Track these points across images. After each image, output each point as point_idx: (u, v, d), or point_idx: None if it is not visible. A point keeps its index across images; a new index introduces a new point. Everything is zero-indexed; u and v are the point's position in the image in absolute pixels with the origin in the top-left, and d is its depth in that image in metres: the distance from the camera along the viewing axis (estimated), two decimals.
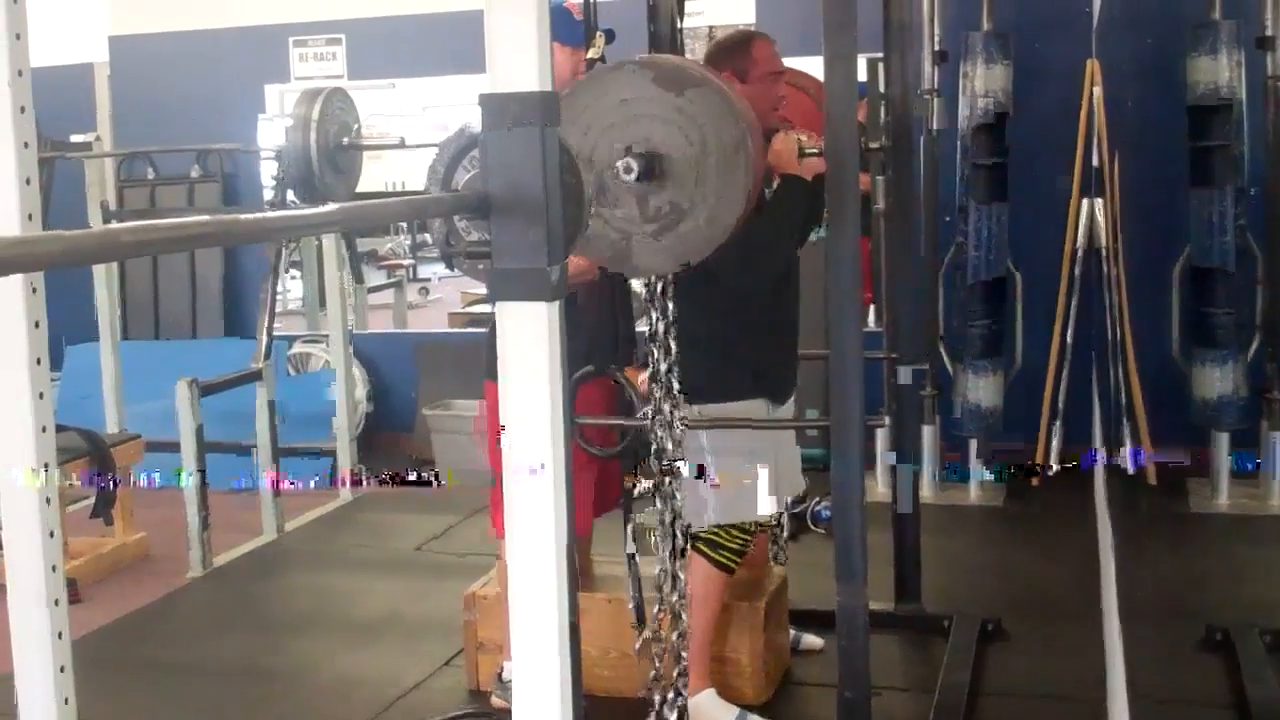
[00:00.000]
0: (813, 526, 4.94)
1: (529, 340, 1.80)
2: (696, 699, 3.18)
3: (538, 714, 2.14)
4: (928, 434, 5.45)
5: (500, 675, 3.47)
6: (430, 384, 6.46)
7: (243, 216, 1.47)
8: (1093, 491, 5.36)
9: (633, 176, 2.42)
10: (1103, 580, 4.17)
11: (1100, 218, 5.62)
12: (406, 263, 10.34)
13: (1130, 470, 5.04)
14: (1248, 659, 3.49)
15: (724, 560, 3.26)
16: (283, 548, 5.13)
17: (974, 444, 5.61)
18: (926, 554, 3.98)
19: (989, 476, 5.60)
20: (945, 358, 5.68)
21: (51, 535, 2.10)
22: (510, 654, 3.25)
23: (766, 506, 3.23)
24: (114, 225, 1.20)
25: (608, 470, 3.33)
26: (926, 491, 5.47)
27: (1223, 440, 5.30)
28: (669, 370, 2.77)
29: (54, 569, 2.10)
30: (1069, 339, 5.76)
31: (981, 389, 5.54)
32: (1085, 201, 5.76)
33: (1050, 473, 5.66)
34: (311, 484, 5.89)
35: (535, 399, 1.86)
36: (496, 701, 3.42)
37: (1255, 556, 4.52)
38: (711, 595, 3.23)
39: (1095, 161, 5.62)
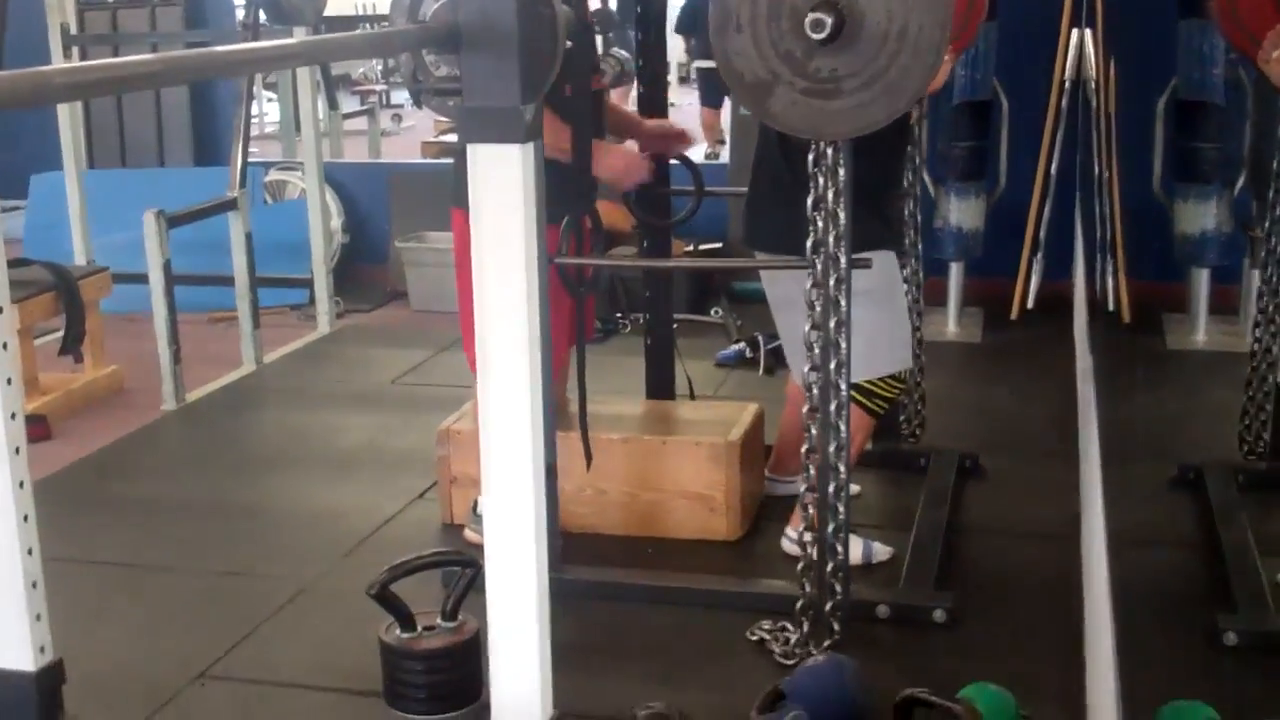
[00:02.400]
0: None
1: (502, 183, 1.73)
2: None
3: (510, 549, 2.14)
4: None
5: (475, 508, 3.47)
6: (403, 216, 6.37)
7: (189, 53, 1.39)
8: (1071, 327, 5.35)
9: (821, 34, 2.29)
10: (1079, 418, 4.18)
11: (1089, 48, 5.49)
12: (379, 88, 10.11)
13: (1110, 306, 5.03)
14: (1219, 499, 3.51)
15: (876, 408, 3.27)
16: (260, 381, 5.09)
17: (955, 271, 5.57)
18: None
19: (970, 311, 5.58)
20: (928, 183, 5.60)
21: (9, 382, 2.05)
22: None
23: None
24: (47, 68, 1.12)
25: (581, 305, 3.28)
26: None
27: (1203, 277, 5.27)
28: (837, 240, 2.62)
29: (13, 416, 2.06)
30: (1053, 170, 5.68)
31: (964, 211, 5.48)
32: (1075, 31, 5.62)
33: (1029, 306, 5.64)
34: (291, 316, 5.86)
35: (510, 245, 1.81)
36: (469, 535, 3.43)
37: (1231, 395, 4.51)
38: (857, 441, 3.17)
39: None
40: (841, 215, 2.58)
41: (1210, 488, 3.56)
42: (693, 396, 3.85)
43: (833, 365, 2.71)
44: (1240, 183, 5.14)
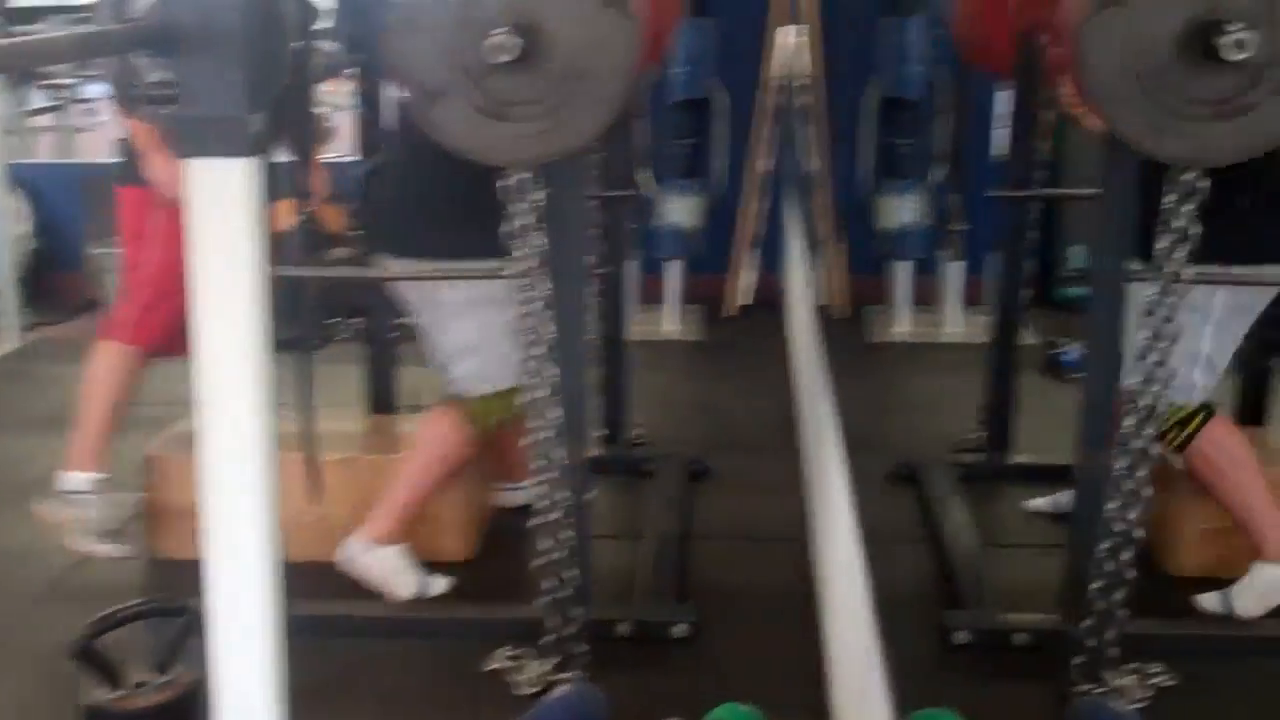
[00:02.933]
0: None
1: (226, 204, 1.56)
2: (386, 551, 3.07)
3: (235, 589, 1.96)
4: (628, 270, 5.38)
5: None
6: (100, 219, 5.93)
7: None
8: (783, 323, 5.44)
9: (504, 59, 2.15)
10: (797, 415, 4.24)
11: (800, 44, 5.59)
12: (69, 82, 9.45)
13: (821, 301, 5.14)
14: (936, 492, 3.60)
15: (476, 425, 3.04)
16: None
17: (674, 269, 5.59)
18: (636, 387, 3.92)
19: (689, 308, 5.61)
20: (646, 181, 5.59)
21: None
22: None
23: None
24: None
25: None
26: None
27: (902, 269, 5.44)
28: None
29: None
30: (767, 167, 5.77)
31: (682, 209, 5.51)
32: (785, 28, 5.71)
33: (747, 302, 5.72)
34: None
35: (235, 275, 1.64)
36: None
37: (934, 385, 4.69)
38: (433, 459, 3.07)
39: None
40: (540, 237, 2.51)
41: (927, 482, 3.65)
42: (418, 409, 3.69)
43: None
44: (938, 178, 5.34)
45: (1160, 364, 2.47)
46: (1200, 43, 2.20)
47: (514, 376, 2.73)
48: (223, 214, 1.59)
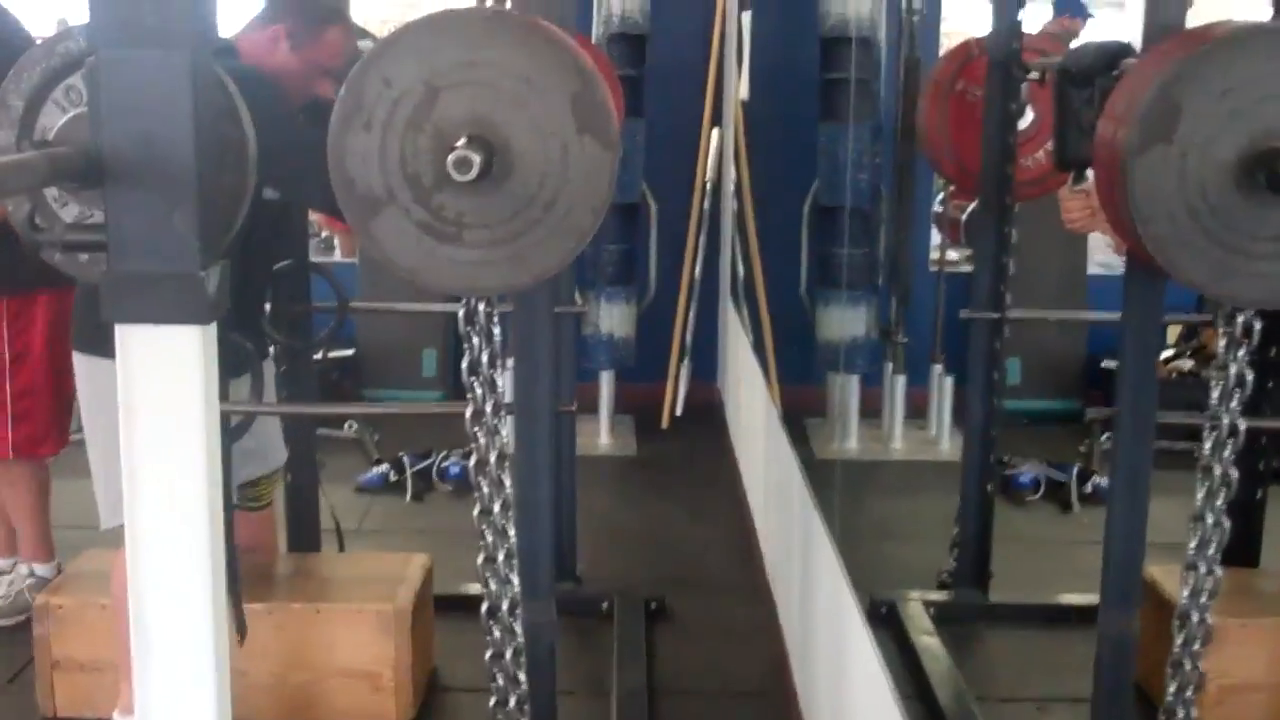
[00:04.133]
0: (440, 482, 4.47)
1: (171, 382, 1.22)
2: None
3: None
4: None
5: None
6: None
7: None
8: (725, 435, 5.17)
9: (466, 176, 1.82)
10: (758, 543, 3.94)
11: (729, 149, 5.39)
12: None
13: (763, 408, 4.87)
14: (915, 631, 3.31)
15: None
16: None
17: (605, 380, 5.29)
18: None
19: (621, 419, 5.31)
20: (574, 288, 5.31)
21: None
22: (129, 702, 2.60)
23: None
24: None
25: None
26: None
27: (851, 383, 5.21)
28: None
29: None
30: (697, 274, 5.53)
31: (614, 318, 5.23)
32: (715, 131, 5.52)
33: (679, 413, 5.43)
34: None
35: (184, 470, 1.30)
36: None
37: (896, 507, 4.41)
38: None
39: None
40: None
41: (907, 623, 3.37)
42: (341, 547, 3.32)
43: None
44: (877, 288, 5.14)
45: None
46: (1262, 173, 1.97)
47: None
48: (173, 394, 1.25)
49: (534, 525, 2.31)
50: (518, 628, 2.24)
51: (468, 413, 2.18)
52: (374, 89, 1.88)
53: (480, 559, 2.20)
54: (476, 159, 1.82)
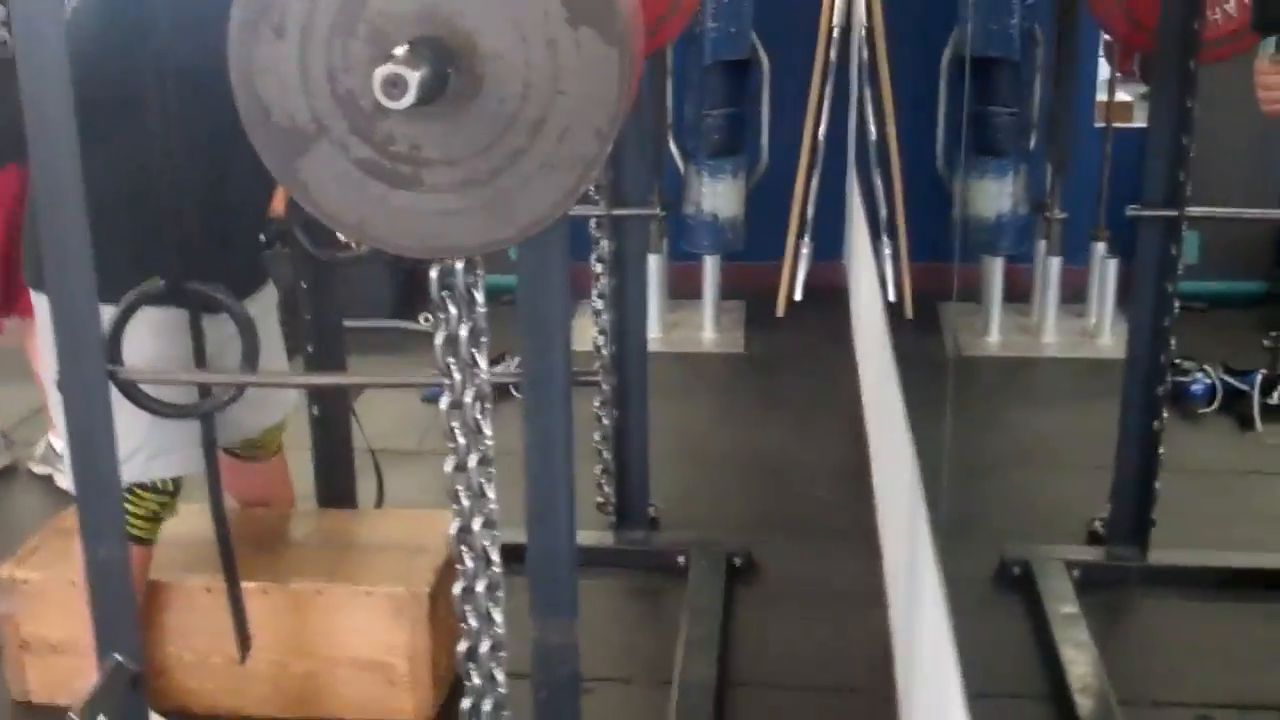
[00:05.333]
0: (516, 392, 3.95)
1: None
2: None
3: None
4: (653, 264, 4.51)
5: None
6: None
7: None
8: (848, 325, 4.55)
9: (396, 103, 1.25)
10: (873, 475, 3.35)
11: None
12: None
13: (890, 298, 4.24)
14: (1054, 603, 2.73)
15: (131, 531, 2.19)
16: None
17: (710, 265, 4.69)
18: (653, 428, 3.03)
19: (729, 306, 4.72)
20: (676, 157, 4.69)
21: None
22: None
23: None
24: None
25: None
26: (652, 331, 4.56)
27: (996, 267, 4.52)
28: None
29: None
30: (821, 137, 4.84)
31: (720, 195, 4.60)
32: None
33: (797, 298, 4.81)
34: None
35: None
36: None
37: (1042, 424, 3.76)
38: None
39: None
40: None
41: (1043, 592, 2.78)
42: (380, 499, 2.83)
43: None
44: (1031, 153, 4.41)
45: None
46: None
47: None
48: None
49: (551, 526, 1.76)
50: (497, 615, 1.71)
51: (443, 403, 1.64)
52: None
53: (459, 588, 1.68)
54: (413, 77, 1.23)
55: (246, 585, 2.37)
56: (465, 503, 1.65)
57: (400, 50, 1.24)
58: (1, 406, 3.57)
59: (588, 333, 2.97)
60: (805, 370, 4.24)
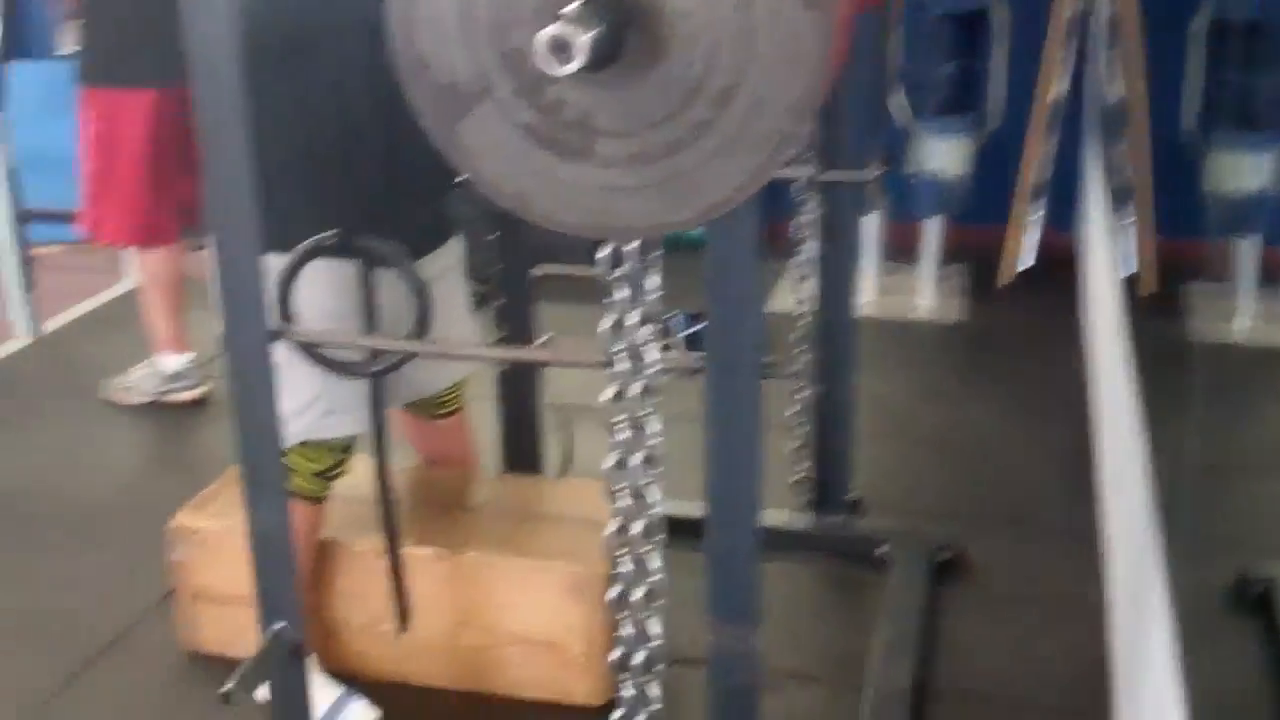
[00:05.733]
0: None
1: None
2: None
3: None
4: (869, 224, 4.28)
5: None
6: None
7: None
8: (1076, 301, 4.24)
9: (562, 68, 1.10)
10: (1098, 468, 3.08)
11: None
12: None
13: (1125, 273, 3.91)
14: None
15: (297, 484, 2.16)
16: (33, 365, 3.94)
17: (931, 227, 4.43)
18: (857, 401, 2.84)
19: (949, 271, 4.45)
20: (901, 109, 4.42)
21: None
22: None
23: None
24: None
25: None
26: (865, 295, 4.33)
27: (1245, 247, 4.13)
28: None
29: None
30: (1059, 96, 4.50)
31: (945, 154, 4.32)
32: None
33: (1027, 268, 4.49)
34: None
35: None
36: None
37: None
38: (299, 536, 2.08)
39: None
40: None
41: None
42: (566, 464, 2.70)
43: None
44: None
45: None
46: None
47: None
48: None
49: (733, 527, 1.60)
50: (654, 627, 1.55)
51: (606, 394, 1.48)
52: None
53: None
54: (583, 39, 1.07)
55: (418, 551, 2.29)
56: (624, 504, 1.50)
57: (570, 7, 1.07)
58: (196, 337, 3.55)
59: (786, 295, 2.77)
60: (1027, 346, 3.96)
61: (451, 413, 2.49)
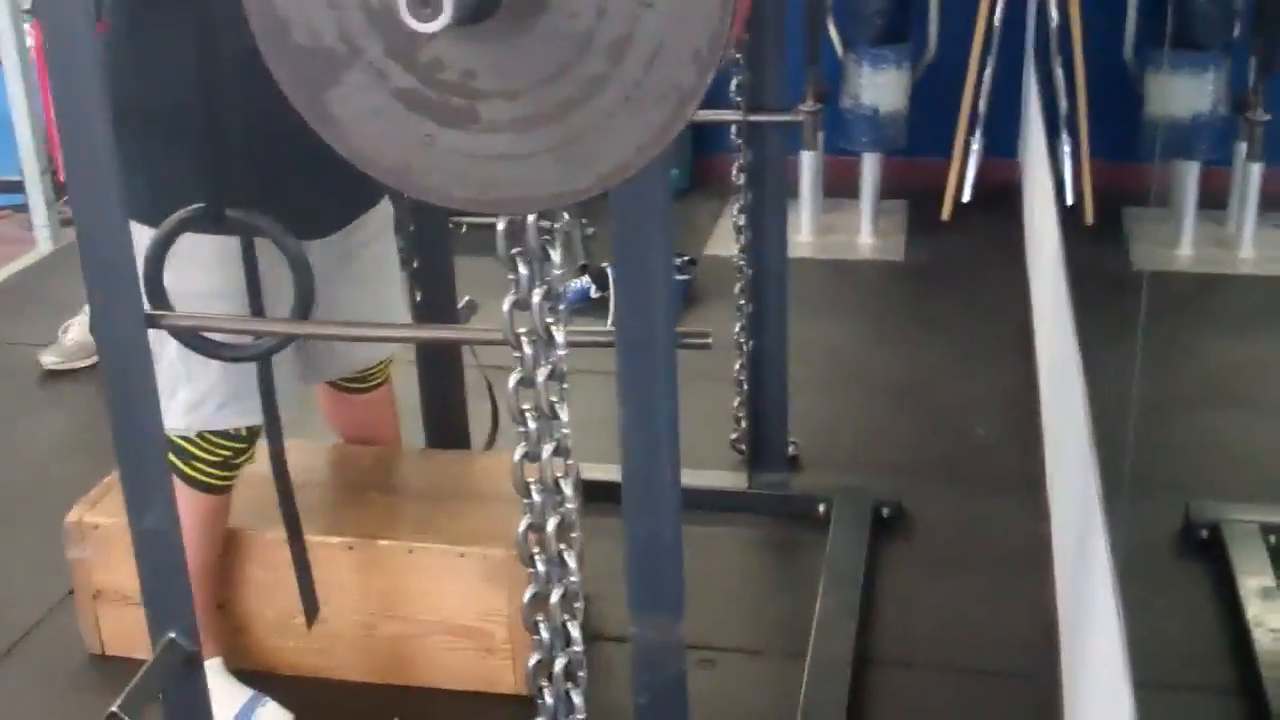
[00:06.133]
0: None
1: None
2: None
3: None
4: (806, 161, 4.15)
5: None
6: None
7: None
8: (1021, 231, 4.13)
9: (428, 24, 0.96)
10: (1042, 406, 2.98)
11: None
12: None
13: (1068, 200, 3.82)
14: (1247, 575, 2.36)
15: (196, 475, 2.05)
16: None
17: (869, 163, 4.30)
18: (797, 349, 2.73)
19: (889, 206, 4.33)
20: (835, 42, 4.28)
21: None
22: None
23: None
24: None
25: None
26: (804, 234, 4.21)
27: (1187, 170, 4.04)
28: None
29: None
30: (996, 21, 4.37)
31: (880, 87, 4.19)
32: None
33: (965, 199, 4.39)
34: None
35: None
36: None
37: (1240, 355, 3.33)
38: (194, 527, 1.98)
39: None
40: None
41: (1235, 561, 2.41)
42: (493, 439, 2.57)
43: None
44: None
45: None
46: None
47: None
48: None
49: (652, 516, 1.48)
50: (573, 630, 1.43)
51: (510, 381, 1.36)
52: None
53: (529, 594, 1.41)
54: None
55: (331, 540, 2.17)
56: (536, 498, 1.38)
57: None
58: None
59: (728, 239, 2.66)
60: (971, 283, 3.85)
61: (375, 385, 2.35)
